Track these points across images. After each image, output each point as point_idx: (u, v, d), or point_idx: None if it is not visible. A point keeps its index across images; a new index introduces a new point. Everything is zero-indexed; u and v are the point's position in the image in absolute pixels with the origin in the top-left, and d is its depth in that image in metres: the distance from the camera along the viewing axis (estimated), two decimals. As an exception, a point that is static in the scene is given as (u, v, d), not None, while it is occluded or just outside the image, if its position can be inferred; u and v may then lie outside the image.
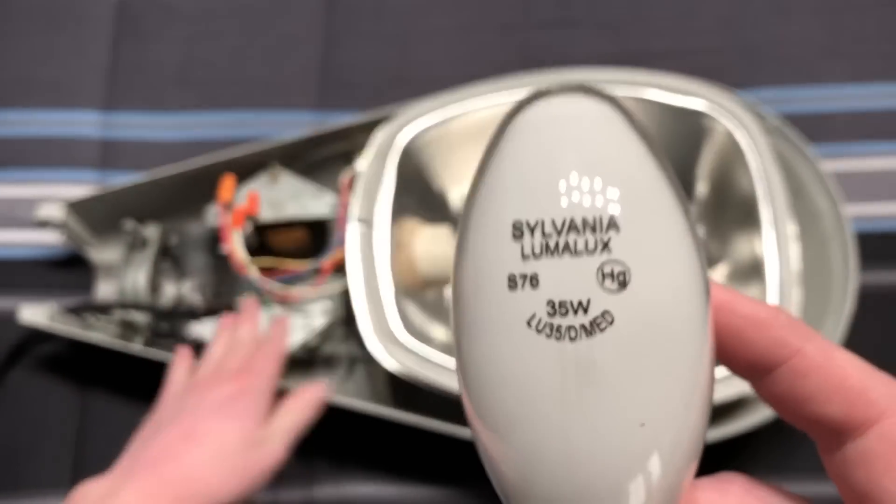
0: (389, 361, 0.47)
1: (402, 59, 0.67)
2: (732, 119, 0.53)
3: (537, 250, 0.14)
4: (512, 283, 0.15)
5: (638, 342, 0.14)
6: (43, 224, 0.57)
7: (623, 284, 0.14)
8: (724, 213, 0.56)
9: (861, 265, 0.53)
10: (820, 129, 0.63)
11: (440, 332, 0.55)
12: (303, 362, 0.58)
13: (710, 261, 0.56)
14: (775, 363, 0.17)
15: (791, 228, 0.50)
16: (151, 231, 0.59)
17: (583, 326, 0.14)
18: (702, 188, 0.57)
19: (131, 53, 0.68)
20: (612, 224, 0.14)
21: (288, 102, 0.66)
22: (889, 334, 0.58)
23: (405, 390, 0.56)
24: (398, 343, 0.48)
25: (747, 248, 0.53)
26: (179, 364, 0.47)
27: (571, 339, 0.14)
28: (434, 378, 0.47)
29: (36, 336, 0.59)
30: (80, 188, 0.63)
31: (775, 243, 0.50)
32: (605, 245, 0.14)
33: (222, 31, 0.68)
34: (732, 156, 0.53)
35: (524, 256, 0.15)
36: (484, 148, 0.16)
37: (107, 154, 0.65)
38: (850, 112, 0.63)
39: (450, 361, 0.48)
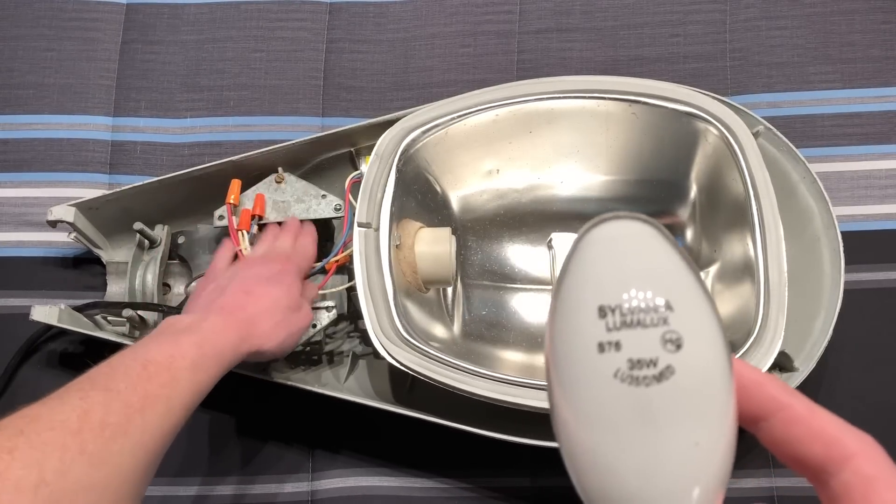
0: (393, 358, 0.49)
1: (403, 66, 0.68)
2: (724, 123, 0.54)
3: (618, 324, 0.20)
4: (601, 348, 0.20)
5: (691, 385, 0.20)
6: (54, 225, 0.58)
7: (679, 347, 0.20)
8: (717, 214, 0.57)
9: (849, 264, 0.55)
10: (809, 133, 0.64)
11: (440, 331, 0.57)
12: (307, 358, 0.59)
13: (703, 262, 0.58)
14: (770, 413, 0.22)
15: (781, 230, 0.51)
16: (160, 232, 0.60)
17: (654, 376, 0.20)
18: (695, 190, 0.58)
19: (140, 59, 0.69)
20: (668, 306, 0.20)
21: (293, 107, 0.68)
22: (875, 330, 0.59)
23: (406, 386, 0.57)
24: (401, 340, 0.50)
25: (739, 249, 0.54)
26: (225, 248, 0.55)
27: (647, 385, 0.20)
28: (435, 373, 0.49)
29: (47, 333, 0.61)
30: (91, 190, 0.65)
31: (766, 244, 0.51)
32: (665, 320, 0.20)
33: (229, 38, 0.70)
34: (724, 159, 0.55)
35: (608, 329, 0.20)
36: (568, 251, 0.22)
37: (117, 157, 0.67)
38: (838, 115, 0.65)
39: (449, 358, 0.49)
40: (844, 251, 0.55)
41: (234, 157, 0.58)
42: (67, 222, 0.58)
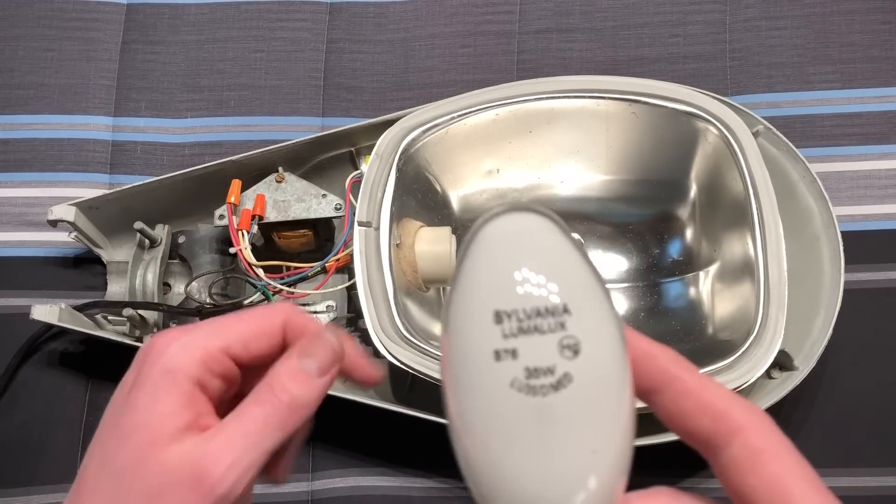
0: (393, 356, 0.49)
1: (403, 66, 0.69)
2: (724, 123, 0.54)
3: (514, 331, 0.19)
4: (497, 356, 0.19)
5: (590, 392, 0.20)
6: (55, 224, 0.58)
7: (576, 353, 0.20)
8: (716, 214, 0.57)
9: (849, 264, 0.55)
10: (809, 133, 0.64)
11: (441, 330, 0.57)
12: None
13: (703, 261, 0.58)
14: (662, 386, 0.22)
15: (780, 229, 0.51)
16: (160, 231, 0.60)
17: (551, 385, 0.19)
18: (695, 189, 0.58)
19: (140, 59, 0.69)
20: (565, 309, 0.20)
21: (293, 107, 0.68)
22: (874, 331, 0.59)
23: (406, 385, 0.57)
24: (401, 339, 0.50)
25: (739, 248, 0.54)
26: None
27: (544, 395, 0.19)
28: (435, 372, 0.49)
29: (48, 333, 0.61)
30: (91, 190, 0.65)
31: (766, 244, 0.51)
32: (562, 325, 0.20)
33: (229, 39, 0.70)
34: (724, 159, 0.55)
35: (505, 336, 0.20)
36: (460, 251, 0.21)
37: (117, 157, 0.67)
38: (838, 115, 0.65)
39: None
40: (844, 251, 0.55)
41: (235, 156, 0.58)
42: (68, 222, 0.58)
